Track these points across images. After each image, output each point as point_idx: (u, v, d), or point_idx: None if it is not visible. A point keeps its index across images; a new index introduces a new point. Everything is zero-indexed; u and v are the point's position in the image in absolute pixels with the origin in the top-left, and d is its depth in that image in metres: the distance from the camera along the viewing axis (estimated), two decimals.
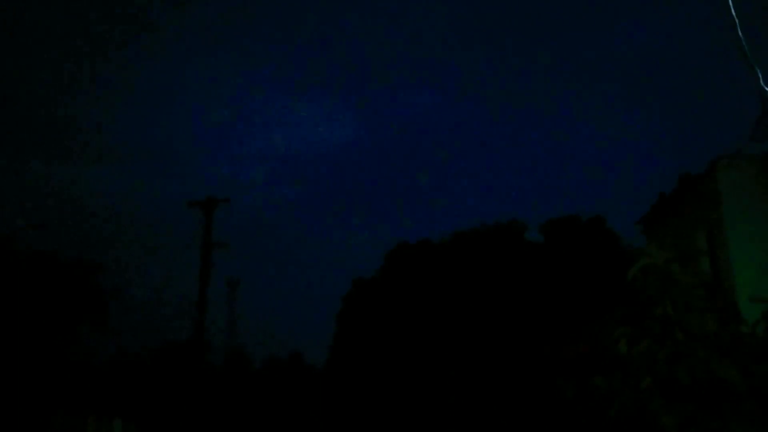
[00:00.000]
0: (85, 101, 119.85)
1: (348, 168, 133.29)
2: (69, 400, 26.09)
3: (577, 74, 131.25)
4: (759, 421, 8.51)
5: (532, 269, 38.52)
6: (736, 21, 9.45)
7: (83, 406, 26.59)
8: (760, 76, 9.83)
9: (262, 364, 57.49)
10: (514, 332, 35.00)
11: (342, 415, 41.19)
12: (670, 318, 9.38)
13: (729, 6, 9.34)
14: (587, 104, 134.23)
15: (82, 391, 27.91)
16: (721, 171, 16.62)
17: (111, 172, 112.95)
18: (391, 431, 36.58)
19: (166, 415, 31.29)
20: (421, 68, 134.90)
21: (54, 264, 27.49)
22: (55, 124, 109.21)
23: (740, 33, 9.41)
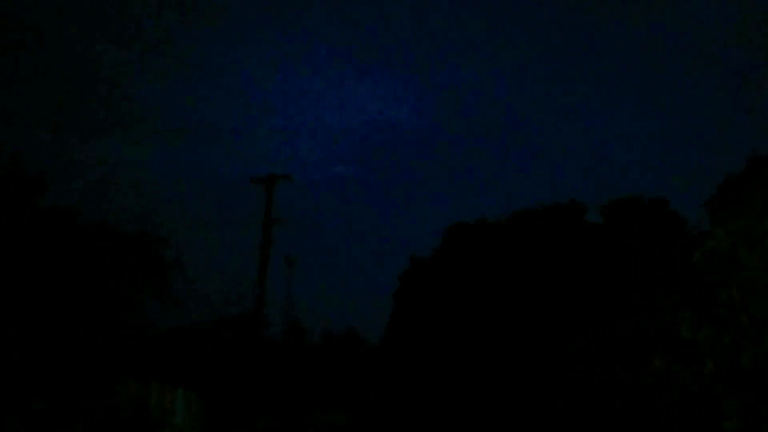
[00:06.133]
0: (147, 80, 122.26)
1: (406, 146, 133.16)
2: (133, 369, 26.89)
3: (640, 49, 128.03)
4: None
5: (592, 251, 37.98)
6: None
7: (147, 374, 27.40)
8: None
9: (319, 339, 58.28)
10: (572, 315, 34.66)
11: (398, 393, 41.54)
12: (736, 302, 9.19)
13: None
14: (650, 81, 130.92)
15: (145, 361, 28.70)
16: None
17: (175, 148, 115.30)
18: (447, 413, 36.73)
19: (225, 386, 32.04)
20: (481, 46, 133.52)
21: (119, 237, 28.23)
22: (120, 103, 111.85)
23: None
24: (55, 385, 22.68)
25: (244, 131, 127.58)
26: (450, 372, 36.74)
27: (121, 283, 27.37)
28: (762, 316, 9.04)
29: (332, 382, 48.35)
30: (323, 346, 57.66)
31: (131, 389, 26.04)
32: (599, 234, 37.75)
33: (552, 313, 35.29)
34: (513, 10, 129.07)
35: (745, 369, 8.73)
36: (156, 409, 27.23)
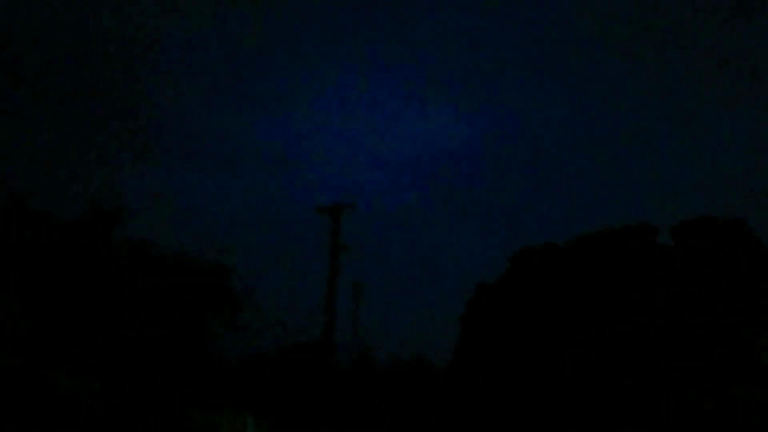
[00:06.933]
0: (213, 110, 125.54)
1: (470, 172, 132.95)
2: (205, 396, 27.34)
3: (710, 69, 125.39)
4: None
5: (663, 274, 37.06)
6: None
7: (219, 402, 27.81)
8: None
9: (387, 366, 58.09)
10: (644, 342, 33.81)
11: (464, 423, 41.07)
12: None
13: None
14: (722, 99, 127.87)
15: (216, 388, 29.15)
16: None
17: (241, 177, 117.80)
18: None
19: (295, 414, 32.22)
20: (541, 69, 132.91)
21: (191, 267, 28.89)
22: (187, 133, 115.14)
23: None
24: (131, 413, 23.23)
25: (310, 160, 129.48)
26: (518, 400, 36.17)
27: (192, 312, 27.97)
28: None
29: (399, 410, 48.15)
30: (390, 372, 57.51)
31: (204, 416, 26.45)
32: (670, 256, 36.84)
33: (624, 337, 34.52)
34: (577, 35, 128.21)
35: None
36: None
